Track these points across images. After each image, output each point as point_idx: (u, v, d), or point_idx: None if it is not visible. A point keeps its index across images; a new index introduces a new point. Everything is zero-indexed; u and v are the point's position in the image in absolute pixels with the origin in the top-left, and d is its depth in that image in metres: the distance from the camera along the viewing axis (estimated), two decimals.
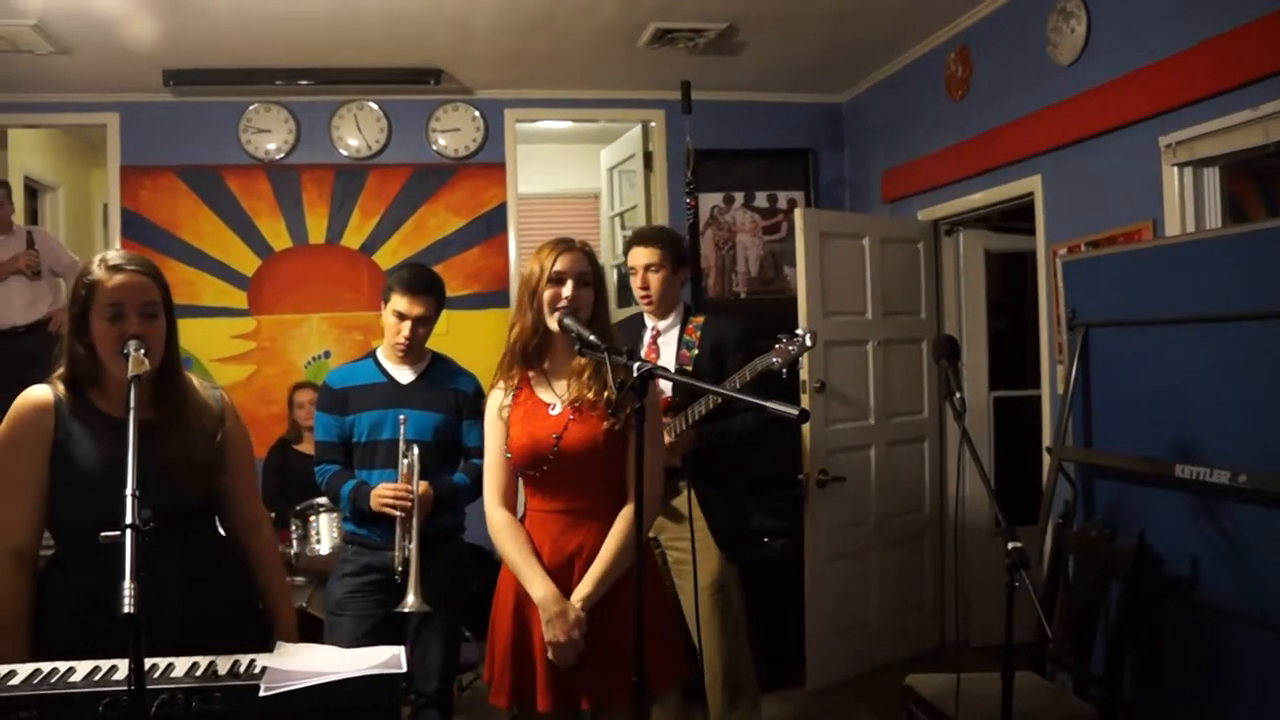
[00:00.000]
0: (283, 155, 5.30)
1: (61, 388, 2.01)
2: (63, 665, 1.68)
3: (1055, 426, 3.60)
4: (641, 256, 3.30)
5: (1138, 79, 3.33)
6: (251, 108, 5.26)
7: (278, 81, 5.02)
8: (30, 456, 1.96)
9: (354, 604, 2.93)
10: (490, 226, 5.48)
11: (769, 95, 5.59)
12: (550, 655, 2.20)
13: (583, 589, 2.21)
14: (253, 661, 1.73)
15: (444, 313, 3.09)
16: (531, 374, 2.34)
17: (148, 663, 1.56)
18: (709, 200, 5.55)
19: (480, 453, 2.41)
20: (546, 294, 2.25)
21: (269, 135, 5.29)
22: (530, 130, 5.92)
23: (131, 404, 1.72)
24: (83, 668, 1.67)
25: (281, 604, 2.24)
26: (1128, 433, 3.16)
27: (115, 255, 2.02)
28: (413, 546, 2.75)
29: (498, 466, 2.34)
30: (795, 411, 1.73)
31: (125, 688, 1.46)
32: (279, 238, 5.32)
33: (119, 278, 1.96)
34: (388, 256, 5.35)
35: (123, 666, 1.58)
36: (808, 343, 3.01)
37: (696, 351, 3.26)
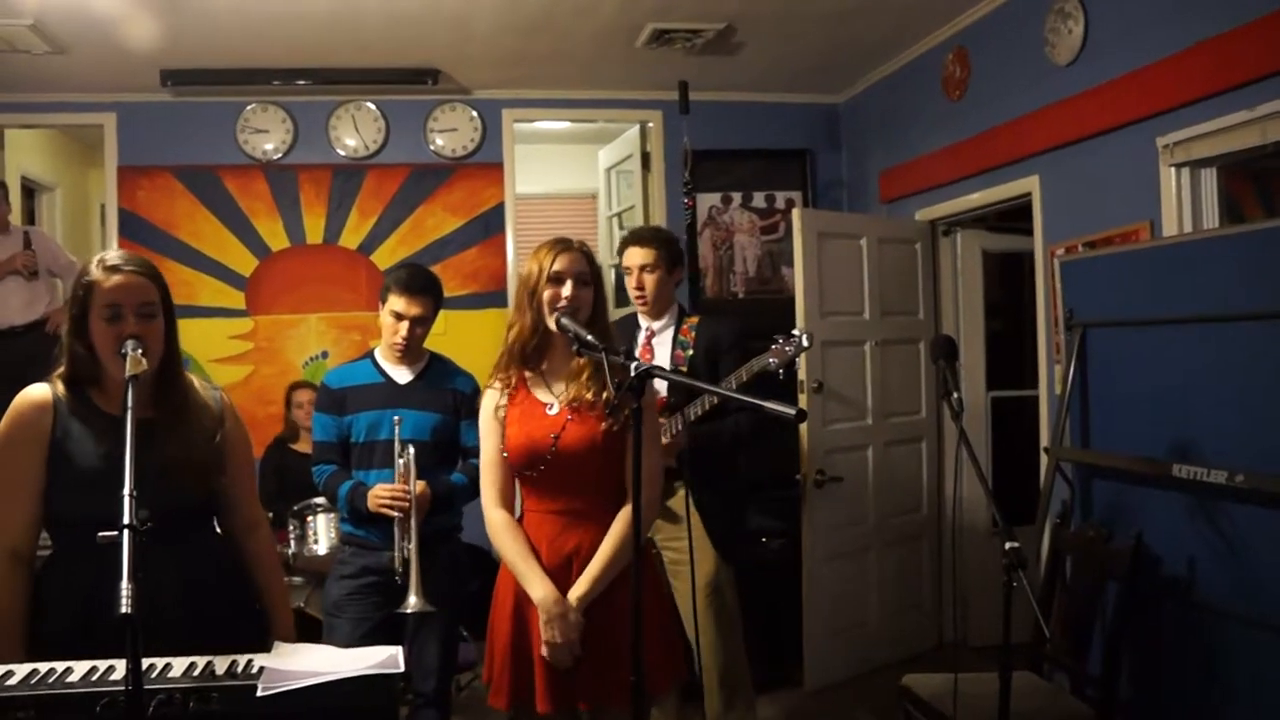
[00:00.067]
0: (280, 155, 5.30)
1: (61, 387, 2.02)
2: (60, 665, 1.68)
3: (1053, 427, 3.61)
4: (636, 257, 3.30)
5: (1135, 79, 3.34)
6: (249, 108, 5.26)
7: (275, 82, 5.02)
8: (28, 455, 1.96)
9: (352, 606, 2.92)
10: (488, 226, 5.48)
11: (767, 95, 5.59)
12: (545, 655, 2.20)
13: (579, 588, 2.21)
14: (250, 661, 1.73)
15: (442, 313, 3.09)
16: (528, 374, 2.33)
17: (145, 663, 1.56)
18: (706, 200, 5.56)
19: (478, 452, 2.41)
20: (546, 294, 2.25)
21: (266, 135, 5.29)
22: (528, 130, 5.92)
23: (128, 404, 1.72)
24: (80, 668, 1.67)
25: (279, 604, 2.23)
26: (1125, 433, 3.16)
27: (114, 256, 2.03)
28: (412, 547, 2.75)
29: (494, 467, 2.33)
30: (793, 411, 1.73)
31: (123, 688, 1.46)
32: (276, 238, 5.32)
33: (116, 278, 1.96)
34: (385, 256, 5.34)
35: (120, 666, 1.58)
36: (804, 343, 3.01)
37: (691, 352, 3.26)
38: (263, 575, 2.21)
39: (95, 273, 1.97)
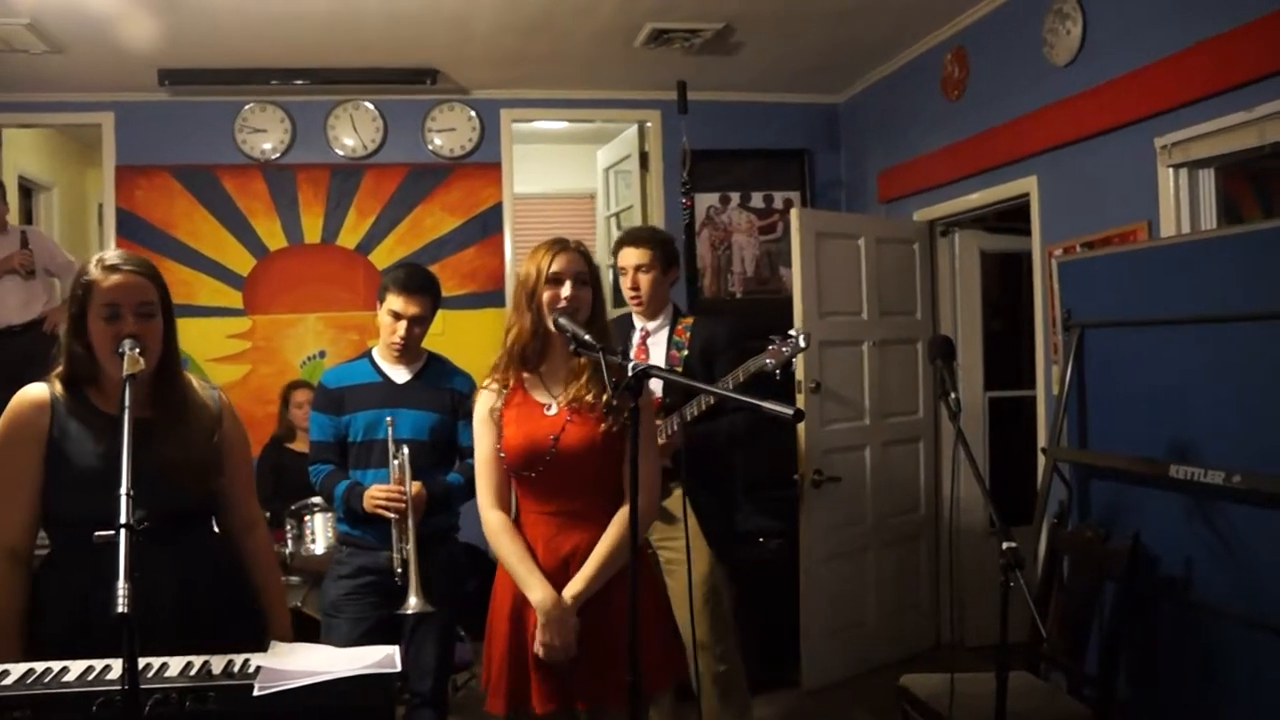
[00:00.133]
0: (278, 155, 5.30)
1: (59, 386, 2.01)
2: (56, 665, 1.68)
3: (1050, 427, 3.61)
4: (631, 257, 3.30)
5: (1134, 80, 3.34)
6: (247, 107, 5.25)
7: (273, 81, 5.01)
8: (26, 454, 1.96)
9: (350, 606, 2.92)
10: (486, 226, 5.48)
11: (765, 95, 5.59)
12: (540, 653, 2.19)
13: (574, 586, 2.21)
14: (247, 661, 1.73)
15: (440, 312, 3.08)
16: (526, 375, 2.33)
17: (142, 662, 1.56)
18: (705, 200, 5.56)
19: None
20: (545, 295, 2.24)
21: (264, 135, 5.28)
22: (526, 130, 5.92)
23: (126, 403, 1.72)
24: (77, 667, 1.67)
25: (276, 604, 2.23)
26: (1123, 433, 3.16)
27: (112, 255, 2.03)
28: (410, 547, 2.74)
29: (490, 468, 2.32)
30: (790, 411, 1.73)
31: (119, 687, 1.46)
32: (274, 237, 5.32)
33: (115, 278, 1.96)
34: (383, 256, 5.33)
35: (116, 666, 1.58)
36: (801, 344, 3.01)
37: (686, 352, 3.26)
38: (260, 575, 2.21)
39: (94, 272, 1.97)
